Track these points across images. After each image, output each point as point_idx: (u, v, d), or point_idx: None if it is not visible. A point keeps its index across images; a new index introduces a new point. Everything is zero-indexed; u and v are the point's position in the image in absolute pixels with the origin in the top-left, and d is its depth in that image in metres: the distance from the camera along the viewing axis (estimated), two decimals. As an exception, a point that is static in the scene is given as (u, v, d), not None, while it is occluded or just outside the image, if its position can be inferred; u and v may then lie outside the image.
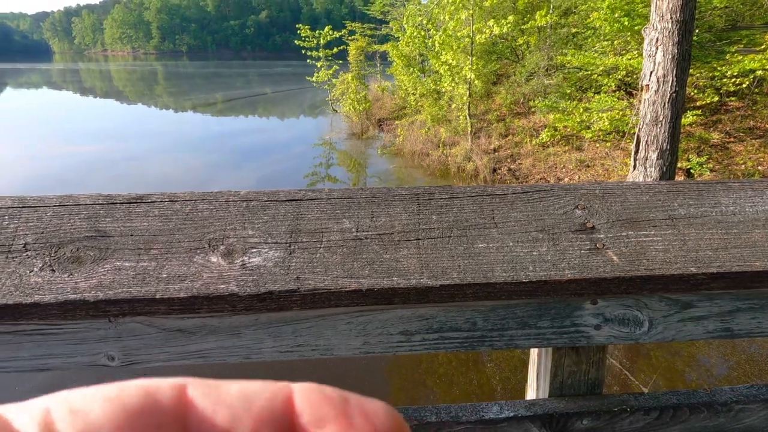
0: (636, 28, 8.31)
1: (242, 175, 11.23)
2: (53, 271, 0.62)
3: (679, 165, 7.59)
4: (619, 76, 9.34)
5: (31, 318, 0.61)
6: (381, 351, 0.71)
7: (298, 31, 17.75)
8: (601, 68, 9.15)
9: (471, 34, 10.77)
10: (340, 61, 18.03)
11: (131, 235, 0.67)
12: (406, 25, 14.94)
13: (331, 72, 17.76)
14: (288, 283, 0.62)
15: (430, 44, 11.80)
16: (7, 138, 15.97)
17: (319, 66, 17.79)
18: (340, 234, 0.68)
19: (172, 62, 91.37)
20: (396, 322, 0.70)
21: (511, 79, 12.79)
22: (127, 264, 0.64)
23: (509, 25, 9.85)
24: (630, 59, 8.33)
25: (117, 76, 52.92)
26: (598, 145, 10.00)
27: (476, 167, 10.33)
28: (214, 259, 0.65)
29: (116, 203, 0.71)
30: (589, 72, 9.88)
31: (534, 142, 10.72)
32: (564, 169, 9.76)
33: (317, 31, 17.55)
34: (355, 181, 11.32)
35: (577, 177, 9.36)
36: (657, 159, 6.15)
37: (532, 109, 11.78)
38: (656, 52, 5.92)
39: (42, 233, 0.67)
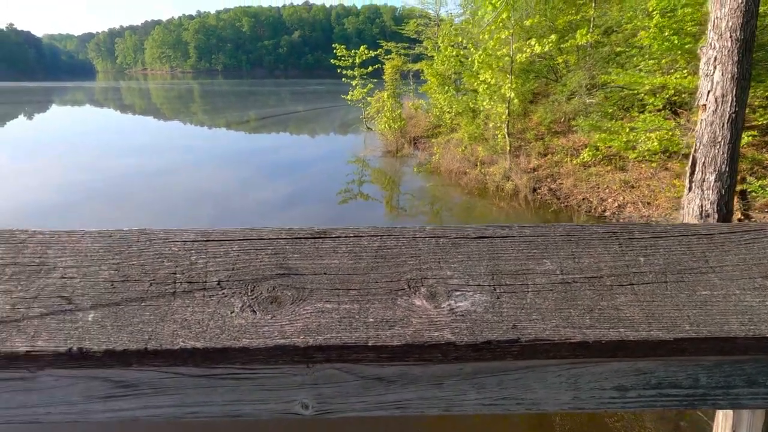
0: (686, 46, 8.08)
1: (274, 190, 11.34)
2: (254, 312, 0.60)
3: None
4: (667, 96, 9.08)
5: (233, 362, 0.58)
6: (592, 407, 0.65)
7: (334, 51, 18.02)
8: (648, 87, 8.91)
9: (511, 53, 10.68)
10: (375, 80, 18.18)
11: (324, 274, 0.64)
12: (441, 44, 14.99)
13: (366, 90, 17.91)
14: (506, 332, 0.58)
15: (469, 63, 11.74)
16: (53, 152, 16.58)
17: (354, 84, 17.98)
18: (544, 276, 0.64)
19: (208, 81, 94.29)
20: (610, 375, 0.64)
21: (550, 98, 12.61)
22: (328, 306, 0.60)
23: (551, 44, 9.73)
24: (680, 78, 8.08)
25: (155, 94, 54.79)
26: (643, 165, 9.70)
27: (515, 186, 10.15)
28: (418, 302, 0.61)
29: (301, 238, 0.69)
30: (634, 91, 9.64)
31: (575, 162, 10.49)
32: (607, 190, 9.49)
33: (353, 51, 17.77)
34: (389, 198, 11.25)
35: (621, 198, 9.08)
36: (715, 181, 5.88)
37: (573, 128, 11.56)
38: (714, 72, 5.70)
39: (232, 270, 0.65)
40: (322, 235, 0.70)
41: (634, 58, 10.16)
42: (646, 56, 9.78)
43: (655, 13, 8.31)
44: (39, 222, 8.81)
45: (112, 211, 9.58)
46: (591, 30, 11.51)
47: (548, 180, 10.41)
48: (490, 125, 12.26)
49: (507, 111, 11.35)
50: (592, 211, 8.94)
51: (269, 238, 0.69)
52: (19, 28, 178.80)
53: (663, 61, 9.20)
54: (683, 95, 9.14)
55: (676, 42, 8.09)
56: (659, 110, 9.61)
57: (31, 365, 0.57)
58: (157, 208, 9.82)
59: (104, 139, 19.95)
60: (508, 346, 0.57)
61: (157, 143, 18.87)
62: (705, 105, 5.93)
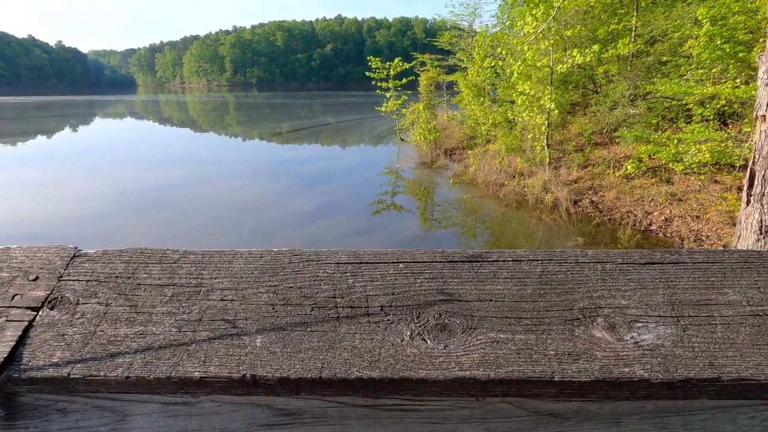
0: (739, 55, 7.76)
1: (309, 201, 11.41)
2: (425, 340, 0.57)
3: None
4: (717, 106, 8.73)
5: (404, 393, 0.55)
6: None
7: (369, 63, 18.16)
8: (697, 97, 8.59)
9: (551, 64, 10.51)
10: (409, 92, 18.22)
11: (490, 300, 0.62)
12: (476, 55, 14.90)
13: (400, 102, 17.96)
14: (703, 369, 0.53)
15: (508, 74, 11.61)
16: (95, 164, 17.19)
17: (388, 96, 18.05)
18: (731, 308, 0.60)
19: (243, 93, 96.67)
20: None
21: (591, 109, 12.34)
22: (502, 336, 0.57)
23: (593, 54, 9.53)
24: (733, 88, 7.76)
25: (192, 107, 56.44)
26: (690, 178, 9.33)
27: (556, 198, 9.91)
28: (597, 333, 0.57)
29: (457, 261, 0.67)
30: (681, 101, 9.32)
31: (617, 174, 10.18)
32: (653, 203, 9.16)
33: (387, 63, 17.88)
34: (423, 210, 11.16)
35: (668, 211, 8.74)
36: (776, 195, 5.58)
37: (616, 139, 11.25)
38: (774, 79, 5.43)
39: (392, 294, 0.63)
40: (479, 259, 0.67)
41: (681, 68, 9.84)
42: (694, 65, 9.45)
43: (704, 21, 8.03)
44: (92, 230, 9.09)
45: (157, 222, 9.82)
46: (633, 39, 11.23)
47: (589, 192, 10.13)
48: (529, 136, 12.06)
49: (546, 122, 11.15)
50: (637, 224, 8.63)
51: (424, 261, 0.67)
52: (66, 45, 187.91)
53: (713, 70, 8.87)
54: (734, 105, 8.78)
55: (728, 50, 7.79)
56: (707, 121, 9.26)
57: (200, 391, 0.56)
58: (199, 219, 10.01)
59: (144, 151, 20.58)
60: (707, 386, 0.52)
61: (195, 155, 19.34)
62: (764, 116, 5.67)
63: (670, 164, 8.91)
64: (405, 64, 17.78)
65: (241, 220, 9.83)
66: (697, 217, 8.43)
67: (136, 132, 30.57)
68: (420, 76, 17.67)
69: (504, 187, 11.19)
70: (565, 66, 10.20)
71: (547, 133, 11.42)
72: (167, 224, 9.54)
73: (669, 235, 8.19)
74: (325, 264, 0.67)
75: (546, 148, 11.40)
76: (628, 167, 9.86)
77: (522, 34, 11.27)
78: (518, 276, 0.64)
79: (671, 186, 9.40)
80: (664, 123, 10.63)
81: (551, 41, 10.41)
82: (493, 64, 13.15)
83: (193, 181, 13.60)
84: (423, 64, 20.16)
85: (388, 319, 0.59)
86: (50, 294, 0.64)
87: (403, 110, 18.27)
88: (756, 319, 0.58)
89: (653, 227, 8.51)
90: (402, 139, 19.52)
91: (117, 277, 0.67)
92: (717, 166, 9.04)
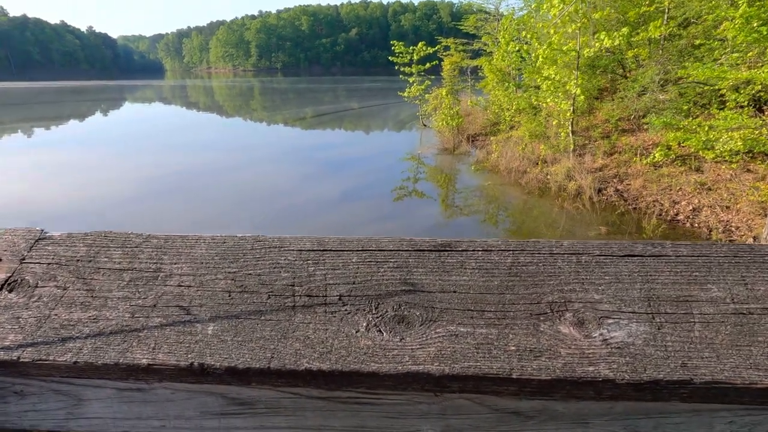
0: (778, 37, 7.40)
1: (331, 186, 11.45)
2: (381, 332, 0.55)
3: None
4: (752, 92, 8.38)
5: (357, 387, 0.54)
6: None
7: (392, 47, 17.98)
8: (731, 82, 8.25)
9: (578, 48, 10.22)
10: (432, 77, 18.01)
11: (454, 292, 0.59)
12: (501, 40, 14.60)
13: (423, 87, 17.77)
14: (675, 370, 0.50)
15: (533, 58, 11.34)
16: (125, 148, 17.58)
17: (411, 81, 17.88)
18: (712, 305, 0.56)
19: (268, 78, 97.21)
20: None
21: (619, 94, 11.99)
22: (462, 329, 0.55)
23: (622, 37, 9.22)
24: (770, 72, 7.41)
25: (218, 92, 57.03)
26: (721, 166, 9.02)
27: (579, 186, 9.72)
28: (564, 329, 0.54)
29: (424, 250, 0.64)
30: (714, 87, 8.97)
31: (644, 162, 9.91)
32: (680, 192, 8.90)
33: (410, 47, 17.67)
34: (444, 197, 11.09)
35: (696, 201, 8.48)
36: (810, 185, 5.35)
37: (644, 126, 10.93)
38: (813, 63, 5.17)
39: (353, 284, 0.61)
40: (447, 248, 0.64)
41: (715, 52, 9.46)
42: (729, 49, 9.07)
43: (741, 2, 7.67)
44: (121, 214, 9.34)
45: (182, 206, 10.01)
46: (666, 22, 10.82)
47: (615, 180, 9.90)
48: (553, 123, 11.81)
49: (572, 108, 10.88)
50: (663, 214, 8.41)
51: (390, 250, 0.65)
52: (97, 31, 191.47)
53: (749, 54, 8.49)
54: (772, 90, 8.40)
55: (765, 33, 7.43)
56: (741, 107, 8.90)
57: (150, 378, 0.55)
58: (223, 203, 10.16)
59: (171, 136, 20.94)
60: (677, 388, 0.49)
61: (220, 140, 19.59)
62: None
63: (701, 152, 8.61)
64: (428, 48, 17.54)
65: (265, 205, 9.95)
66: (728, 207, 8.16)
67: (163, 117, 31.10)
68: (444, 60, 17.42)
69: (526, 174, 11.02)
70: (592, 50, 9.91)
71: (573, 119, 11.16)
72: (191, 209, 9.72)
73: (697, 225, 7.96)
74: (287, 251, 0.66)
75: (571, 134, 11.15)
76: (656, 155, 9.58)
77: (549, 17, 10.98)
78: (486, 267, 0.62)
79: (701, 175, 9.11)
80: (695, 109, 10.27)
81: (578, 24, 10.11)
82: (518, 49, 12.86)
83: (219, 166, 13.80)
84: (447, 48, 19.86)
85: (345, 309, 0.58)
86: (10, 276, 0.65)
87: (425, 95, 18.08)
88: (738, 317, 0.55)
89: (680, 217, 8.28)
90: (424, 125, 19.37)
91: (78, 260, 0.66)
92: (750, 155, 8.71)
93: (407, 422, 0.59)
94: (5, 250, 0.69)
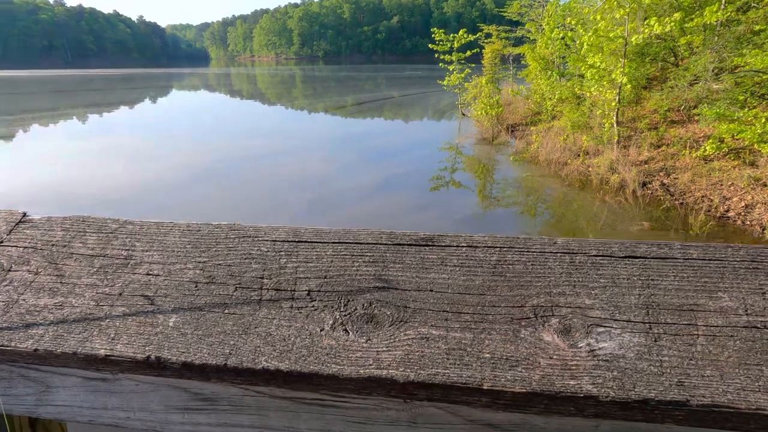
0: None
1: (368, 175, 11.47)
2: (347, 332, 0.52)
3: None
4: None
5: (319, 389, 0.50)
6: None
7: (433, 35, 17.73)
8: (793, 71, 7.72)
9: (625, 35, 9.79)
10: (473, 65, 17.67)
11: (430, 290, 0.54)
12: (545, 26, 14.15)
13: (463, 75, 17.48)
14: (669, 389, 0.44)
15: (578, 45, 10.95)
16: (171, 133, 18.16)
17: (451, 69, 17.61)
18: (721, 316, 0.49)
19: (309, 66, 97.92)
20: None
21: (669, 84, 11.43)
22: (434, 332, 0.50)
23: (674, 23, 8.76)
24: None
25: (261, 80, 57.91)
26: (780, 161, 8.49)
27: (622, 180, 9.37)
28: (547, 336, 0.49)
29: (404, 245, 0.60)
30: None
31: (694, 155, 9.44)
32: (732, 187, 8.44)
33: (451, 35, 17.38)
34: (482, 187, 10.92)
35: (750, 197, 8.04)
36: None
37: (695, 117, 10.40)
38: None
39: (324, 278, 0.57)
40: (429, 243, 0.59)
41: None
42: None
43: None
44: (161, 198, 9.70)
45: (223, 191, 10.29)
46: (723, 6, 10.21)
47: (661, 174, 9.49)
48: (597, 113, 11.39)
49: (617, 98, 10.47)
50: (712, 210, 8.01)
51: (367, 243, 0.61)
52: (147, 20, 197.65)
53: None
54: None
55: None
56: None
57: (111, 369, 0.54)
58: (263, 189, 10.38)
59: (215, 123, 21.46)
60: (671, 410, 0.43)
61: (262, 127, 19.94)
62: None
63: (756, 145, 8.13)
64: (469, 36, 17.19)
65: (304, 192, 10.10)
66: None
67: (208, 104, 31.91)
68: (485, 48, 17.05)
69: (567, 166, 10.70)
70: (641, 37, 9.46)
71: (618, 109, 10.73)
72: (229, 195, 9.96)
73: (749, 223, 7.54)
74: (261, 241, 0.63)
75: (615, 125, 10.74)
76: (707, 148, 9.10)
77: (595, 2, 10.55)
78: (469, 264, 0.57)
79: (755, 169, 8.60)
80: (752, 100, 9.67)
81: (627, 9, 9.67)
82: (562, 36, 12.44)
83: (259, 153, 14.07)
84: (489, 36, 19.42)
85: (313, 306, 0.55)
86: None
87: (465, 84, 17.78)
88: (751, 331, 0.47)
89: (731, 214, 7.87)
90: (463, 114, 19.08)
91: (53, 245, 0.65)
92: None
93: (375, 428, 0.55)
94: None
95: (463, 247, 0.59)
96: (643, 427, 0.48)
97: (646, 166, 9.83)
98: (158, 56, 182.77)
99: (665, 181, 9.27)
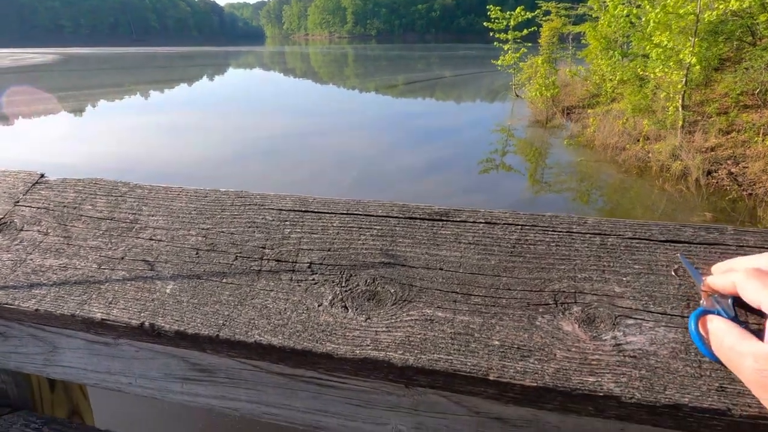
0: None
1: (416, 156, 11.37)
2: (346, 308, 0.49)
3: None
4: None
5: (315, 367, 0.48)
6: None
7: (489, 13, 17.19)
8: None
9: (697, 11, 9.13)
10: (529, 44, 17.04)
11: (440, 269, 0.50)
12: (609, 3, 13.39)
13: (518, 55, 16.90)
14: (707, 395, 0.39)
15: (644, 23, 10.32)
16: (226, 110, 18.68)
17: (506, 48, 17.06)
18: None
19: (361, 45, 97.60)
20: None
21: (744, 65, 10.60)
22: (440, 314, 0.46)
23: (754, -2, 8.08)
24: None
25: (314, 59, 58.29)
26: None
27: (685, 167, 8.85)
28: (567, 326, 0.44)
29: (416, 218, 0.56)
30: None
31: (767, 143, 8.77)
32: (809, 179, 7.81)
33: (508, 12, 16.78)
34: (533, 172, 10.62)
35: (829, 190, 7.41)
36: None
37: (771, 102, 9.63)
38: None
39: (329, 251, 0.54)
40: (444, 218, 0.55)
41: None
42: None
43: None
44: (218, 173, 10.05)
45: (274, 168, 10.54)
46: (812, -20, 9.30)
47: (729, 162, 8.89)
48: (661, 96, 10.74)
49: (684, 79, 9.82)
50: (785, 203, 7.45)
51: (377, 215, 0.57)
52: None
53: None
54: None
55: None
56: None
57: (109, 333, 0.54)
58: (315, 166, 10.53)
59: (269, 100, 21.87)
60: (708, 419, 0.38)
61: (314, 105, 20.16)
62: None
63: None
64: (527, 13, 16.52)
65: (348, 172, 10.17)
66: None
67: (262, 82, 32.53)
68: (542, 26, 16.37)
69: (625, 151, 10.20)
70: (714, 13, 8.80)
71: (684, 92, 10.08)
72: (280, 172, 10.17)
73: (826, 217, 6.98)
74: (266, 209, 0.61)
75: (680, 109, 10.10)
76: (783, 135, 8.44)
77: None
78: (485, 242, 0.53)
79: (838, 160, 7.92)
80: (840, 83, 8.85)
81: (701, -16, 9.00)
82: (627, 13, 11.74)
83: (310, 130, 14.25)
84: (548, 13, 18.61)
85: (313, 279, 0.52)
86: (3, 218, 0.65)
87: (521, 64, 17.19)
88: None
89: (805, 207, 7.30)
90: (517, 95, 18.50)
91: (65, 206, 0.66)
92: None
93: (374, 413, 0.53)
94: (4, 192, 0.69)
95: (481, 223, 0.55)
96: None
97: (712, 153, 9.23)
98: (216, 34, 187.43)
99: (733, 169, 8.68)
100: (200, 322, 0.50)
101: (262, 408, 0.58)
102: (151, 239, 0.60)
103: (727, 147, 9.34)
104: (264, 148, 12.13)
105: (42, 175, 0.73)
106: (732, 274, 0.43)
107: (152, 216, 0.63)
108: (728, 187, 8.25)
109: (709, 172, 8.71)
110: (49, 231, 0.63)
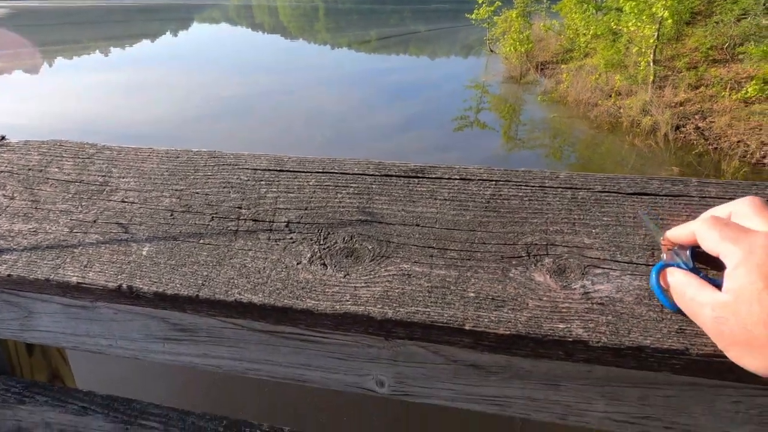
0: None
1: (390, 114, 11.26)
2: (325, 266, 0.50)
3: None
4: None
5: (296, 323, 0.49)
6: None
7: (462, -36, 16.68)
8: None
9: (671, -37, 9.06)
10: (504, -4, 16.72)
11: (416, 225, 0.52)
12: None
13: (492, 9, 16.58)
14: (667, 337, 0.41)
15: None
16: (192, 67, 17.96)
17: (480, 2, 16.70)
18: None
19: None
20: None
21: (714, 18, 10.67)
22: (417, 269, 0.48)
23: (727, -51, 8.04)
24: None
25: (283, 12, 56.05)
26: (826, 104, 8.01)
27: (655, 122, 9.01)
28: (539, 277, 0.47)
29: (392, 175, 0.57)
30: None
31: (734, 97, 8.95)
32: (772, 133, 8.05)
33: (482, -37, 16.34)
34: (507, 128, 10.65)
35: (789, 143, 7.67)
36: None
37: (739, 56, 9.77)
38: None
39: (306, 209, 0.55)
40: (419, 174, 0.56)
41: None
42: None
43: None
44: (183, 133, 9.75)
45: (242, 126, 10.28)
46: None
47: (696, 117, 9.07)
48: (633, 50, 10.78)
49: (656, 33, 9.85)
50: (748, 156, 7.70)
51: (353, 173, 0.58)
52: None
53: None
54: None
55: None
56: None
57: (85, 296, 0.54)
58: (284, 125, 10.31)
59: (237, 57, 21.09)
60: (667, 358, 0.41)
61: (284, 62, 19.55)
62: None
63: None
64: (502, -36, 16.13)
65: (319, 130, 10.02)
66: None
67: (229, 37, 31.25)
68: (517, -22, 16.01)
69: (597, 107, 10.29)
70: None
71: (656, 46, 10.13)
72: (248, 131, 9.94)
73: (785, 169, 7.26)
74: (241, 169, 0.61)
75: (652, 63, 10.18)
76: (749, 89, 8.61)
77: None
78: (460, 198, 0.54)
79: (799, 113, 8.16)
80: (805, 37, 9.01)
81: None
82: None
83: (282, 88, 13.88)
84: (523, -36, 18.18)
85: (291, 238, 0.53)
86: None
87: (495, 18, 16.90)
88: None
89: (767, 160, 7.56)
90: (491, 50, 18.29)
91: (30, 169, 0.65)
92: None
93: (355, 365, 0.55)
94: None
95: (456, 179, 0.56)
96: (637, 374, 0.47)
97: (681, 108, 9.39)
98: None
99: (700, 124, 8.88)
100: (179, 282, 0.50)
101: (245, 364, 0.59)
102: (123, 201, 0.59)
103: (695, 102, 9.51)
104: (232, 106, 11.78)
105: (2, 137, 0.71)
106: (691, 224, 0.45)
107: (123, 178, 0.62)
108: (695, 142, 8.46)
109: (677, 127, 8.89)
110: (15, 195, 0.62)
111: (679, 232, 0.46)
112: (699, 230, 0.43)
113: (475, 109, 11.83)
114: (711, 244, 0.42)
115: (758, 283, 0.36)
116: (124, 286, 0.51)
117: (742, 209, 0.43)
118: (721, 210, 0.45)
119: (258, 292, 0.48)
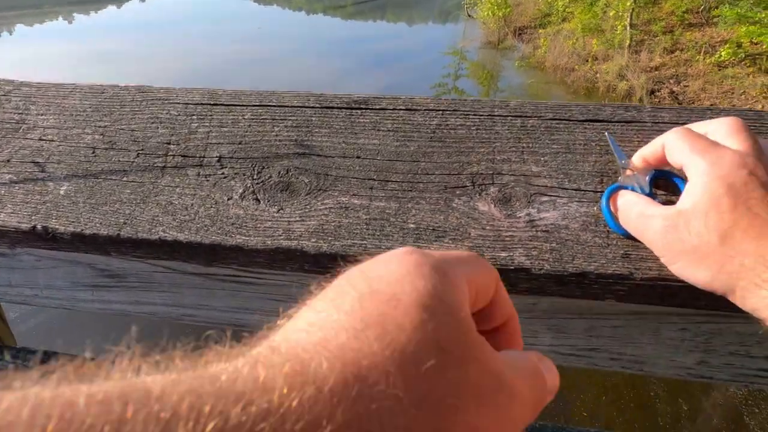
0: None
1: (368, 83, 11.06)
2: (257, 201, 0.48)
3: None
4: None
5: (228, 262, 0.47)
6: (726, 378, 0.48)
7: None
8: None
9: None
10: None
11: (357, 157, 0.50)
12: None
13: (470, -29, 16.26)
14: (612, 262, 0.41)
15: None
16: (160, 36, 17.32)
17: (457, -36, 16.33)
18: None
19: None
20: (765, 339, 0.46)
21: (690, -19, 10.63)
22: (356, 201, 0.46)
23: None
24: None
25: (255, -24, 54.15)
26: (797, 67, 8.13)
27: (630, 87, 9.04)
28: (483, 206, 0.45)
29: (333, 107, 0.54)
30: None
31: (708, 61, 9.01)
32: (744, 96, 8.16)
33: (459, -76, 15.90)
34: (485, 95, 10.60)
35: (760, 106, 7.78)
36: None
37: (713, 20, 9.79)
38: None
39: (240, 144, 0.52)
40: (362, 106, 0.54)
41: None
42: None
43: None
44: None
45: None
46: None
47: (671, 81, 9.13)
48: (610, 14, 10.71)
49: (633, -3, 9.79)
50: (720, 119, 7.82)
51: (292, 106, 0.55)
52: None
53: None
54: None
55: None
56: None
57: (2, 240, 0.51)
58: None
59: (207, 24, 20.36)
60: (611, 284, 0.40)
61: (256, 30, 18.94)
62: None
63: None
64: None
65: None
66: None
67: (200, 4, 30.09)
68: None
69: (574, 72, 10.27)
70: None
71: (633, 10, 10.08)
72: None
73: (755, 132, 7.40)
74: (171, 104, 0.57)
75: (628, 28, 10.14)
76: (723, 53, 8.67)
77: None
78: (405, 129, 0.52)
79: (770, 77, 8.27)
80: (778, 0, 9.04)
81: None
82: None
83: (256, 57, 13.48)
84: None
85: (223, 173, 0.50)
86: None
87: (473, -19, 16.60)
88: None
89: (738, 123, 7.69)
90: (469, 15, 18.00)
91: None
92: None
93: (294, 306, 0.54)
94: None
95: (401, 110, 0.54)
96: (583, 305, 0.46)
97: (656, 72, 9.43)
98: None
99: (675, 88, 8.94)
100: (99, 222, 0.48)
101: (180, 310, 0.58)
102: (40, 139, 0.56)
103: (670, 66, 9.55)
104: (205, 77, 11.43)
105: None
106: (662, 136, 0.43)
107: (41, 115, 0.58)
108: (669, 105, 8.54)
109: (652, 92, 8.94)
110: None
111: (649, 149, 0.45)
112: (669, 140, 0.42)
113: (453, 76, 11.70)
114: (678, 156, 0.40)
115: (718, 190, 0.36)
116: (39, 227, 0.48)
117: (719, 128, 0.41)
118: (698, 127, 0.43)
119: (184, 230, 0.46)
